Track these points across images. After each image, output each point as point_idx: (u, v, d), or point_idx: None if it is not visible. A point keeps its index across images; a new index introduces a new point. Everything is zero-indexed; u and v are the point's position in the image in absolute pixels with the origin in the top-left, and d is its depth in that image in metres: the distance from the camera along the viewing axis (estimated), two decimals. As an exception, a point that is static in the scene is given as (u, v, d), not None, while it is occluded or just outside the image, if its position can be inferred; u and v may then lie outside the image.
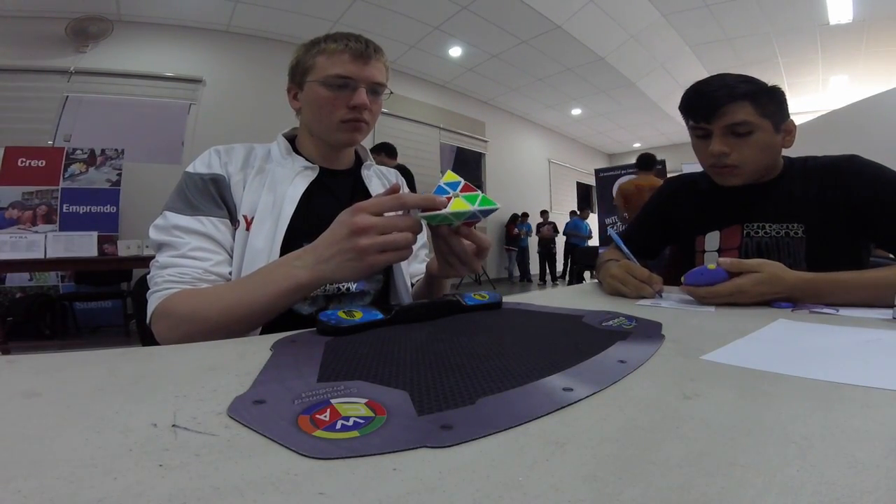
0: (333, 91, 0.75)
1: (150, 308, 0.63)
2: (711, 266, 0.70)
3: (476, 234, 0.60)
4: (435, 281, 0.77)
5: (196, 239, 0.67)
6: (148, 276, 0.67)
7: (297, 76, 0.80)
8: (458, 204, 0.53)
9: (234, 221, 0.73)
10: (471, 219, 0.56)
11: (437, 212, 0.53)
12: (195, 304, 0.60)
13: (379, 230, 0.52)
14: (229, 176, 0.74)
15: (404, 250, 0.53)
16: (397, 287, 0.83)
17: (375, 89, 0.78)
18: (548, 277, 8.36)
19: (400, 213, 0.54)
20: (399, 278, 0.83)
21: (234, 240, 0.71)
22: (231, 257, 0.71)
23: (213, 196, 0.71)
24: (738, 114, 0.84)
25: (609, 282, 0.84)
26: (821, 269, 0.73)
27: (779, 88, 0.88)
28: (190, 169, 0.74)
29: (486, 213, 0.55)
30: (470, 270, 0.62)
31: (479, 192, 0.55)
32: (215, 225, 0.69)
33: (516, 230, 8.17)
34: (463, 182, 0.56)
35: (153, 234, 0.68)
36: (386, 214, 0.53)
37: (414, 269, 0.92)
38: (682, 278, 0.74)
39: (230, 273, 0.69)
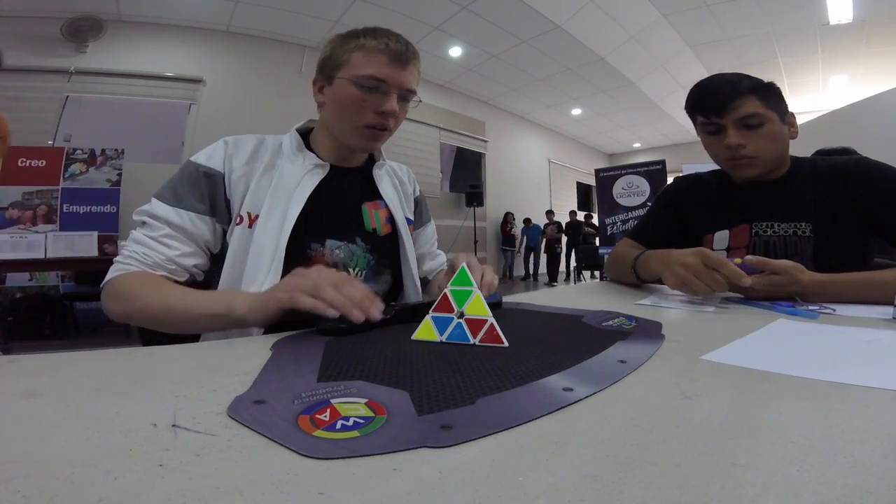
0: (364, 92, 0.72)
1: (108, 275, 0.66)
2: (737, 261, 0.72)
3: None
4: None
5: (170, 228, 0.68)
6: (120, 243, 0.69)
7: (328, 69, 0.75)
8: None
9: (220, 217, 0.72)
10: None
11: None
12: (142, 290, 0.63)
13: (332, 283, 0.51)
14: (231, 171, 0.73)
15: (322, 306, 0.50)
16: (406, 289, 0.83)
17: (405, 96, 0.76)
18: (564, 276, 8.34)
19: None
20: (407, 278, 0.83)
21: (212, 235, 0.72)
22: (203, 251, 0.72)
23: (202, 191, 0.71)
24: (748, 107, 0.86)
25: (678, 271, 0.74)
26: (827, 267, 0.75)
27: (775, 84, 0.91)
28: (193, 158, 0.74)
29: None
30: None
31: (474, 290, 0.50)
32: (192, 220, 0.70)
33: (511, 232, 8.12)
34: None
35: (135, 215, 0.71)
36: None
37: (429, 266, 0.94)
38: None
39: (195, 265, 0.70)
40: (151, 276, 0.65)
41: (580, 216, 8.85)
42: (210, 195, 0.72)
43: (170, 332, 0.63)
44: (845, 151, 1.66)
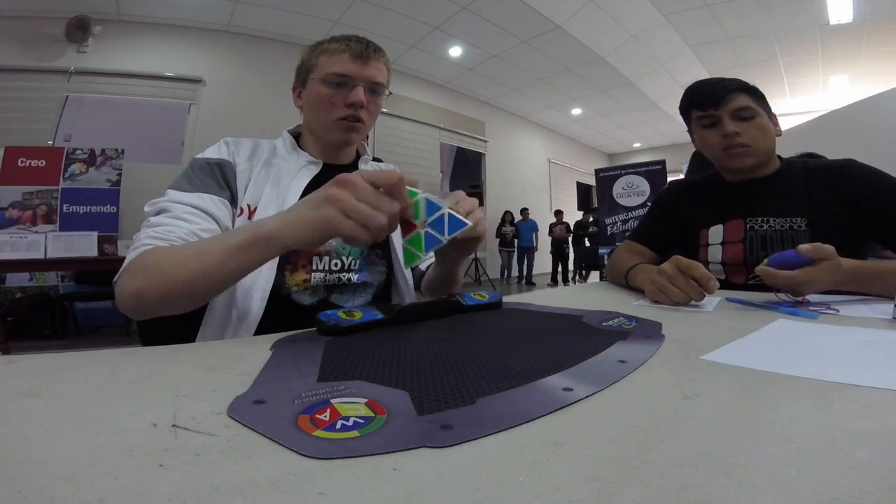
0: (332, 89, 0.77)
1: (124, 264, 0.58)
2: (801, 249, 0.67)
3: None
4: (451, 268, 0.76)
5: (191, 207, 0.67)
6: (135, 236, 0.63)
7: (302, 75, 0.83)
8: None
9: (234, 205, 0.74)
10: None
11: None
12: (158, 256, 0.56)
13: (358, 195, 0.46)
14: (236, 164, 0.77)
15: (370, 230, 0.46)
16: (397, 280, 0.84)
17: (374, 89, 0.80)
18: (559, 278, 8.27)
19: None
20: (398, 270, 0.84)
21: (232, 223, 0.72)
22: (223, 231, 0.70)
23: (217, 178, 0.73)
24: (740, 100, 0.93)
25: (654, 278, 0.73)
26: None
27: (758, 88, 0.98)
28: (199, 155, 0.76)
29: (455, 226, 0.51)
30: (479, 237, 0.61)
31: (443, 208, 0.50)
32: (214, 202, 0.70)
33: (503, 229, 7.89)
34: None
35: (149, 206, 0.67)
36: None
37: None
38: (766, 260, 0.70)
39: None
40: (167, 246, 0.59)
41: (590, 217, 8.70)
42: (226, 181, 0.74)
43: (193, 298, 0.55)
44: (810, 157, 1.62)
